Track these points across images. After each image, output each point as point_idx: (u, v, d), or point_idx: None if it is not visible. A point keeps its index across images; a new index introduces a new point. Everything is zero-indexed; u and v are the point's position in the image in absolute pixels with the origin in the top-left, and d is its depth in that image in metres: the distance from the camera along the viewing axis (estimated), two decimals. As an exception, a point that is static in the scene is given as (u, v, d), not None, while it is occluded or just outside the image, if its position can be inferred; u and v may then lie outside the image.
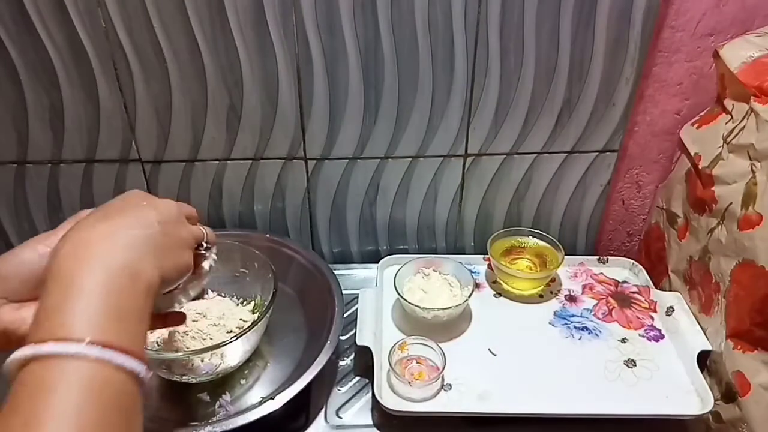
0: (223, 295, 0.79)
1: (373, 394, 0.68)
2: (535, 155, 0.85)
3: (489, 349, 0.75)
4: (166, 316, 0.57)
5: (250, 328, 0.66)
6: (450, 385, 0.70)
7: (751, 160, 0.64)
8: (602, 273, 0.88)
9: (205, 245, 0.52)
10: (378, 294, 0.82)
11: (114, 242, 0.41)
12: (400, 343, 0.72)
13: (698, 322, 0.75)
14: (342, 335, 0.79)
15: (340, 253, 0.96)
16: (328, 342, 0.69)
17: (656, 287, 0.84)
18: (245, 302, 0.78)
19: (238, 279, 0.77)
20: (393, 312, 0.81)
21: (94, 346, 0.35)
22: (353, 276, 0.92)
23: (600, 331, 0.78)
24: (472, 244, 0.95)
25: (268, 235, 0.87)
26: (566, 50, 0.76)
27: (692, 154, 0.75)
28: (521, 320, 0.80)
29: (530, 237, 0.87)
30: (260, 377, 0.73)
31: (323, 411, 0.70)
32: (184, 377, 0.68)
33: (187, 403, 0.69)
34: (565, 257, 0.83)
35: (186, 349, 0.69)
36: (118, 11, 0.71)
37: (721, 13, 0.74)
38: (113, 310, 0.38)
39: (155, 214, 0.45)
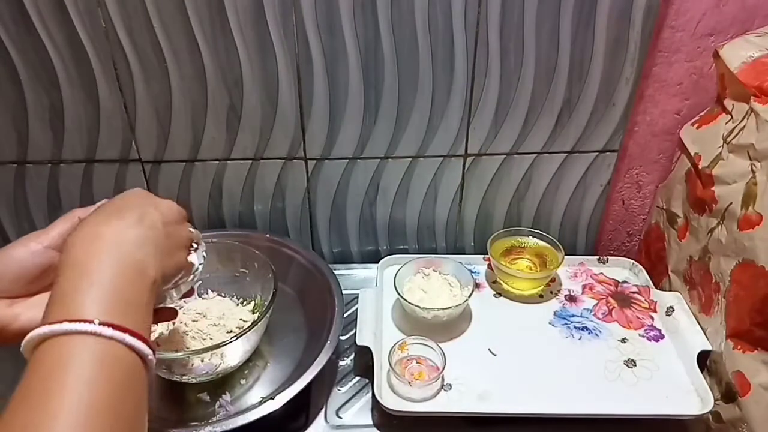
0: (223, 295, 0.79)
1: (373, 394, 0.68)
2: (535, 155, 0.85)
3: (489, 349, 0.75)
4: (158, 312, 0.58)
5: (250, 328, 0.66)
6: (450, 385, 0.70)
7: (751, 160, 0.64)
8: (602, 273, 0.88)
9: (194, 246, 0.54)
10: (378, 294, 0.82)
11: (123, 239, 0.43)
12: (400, 343, 0.72)
13: (698, 322, 0.75)
14: (342, 335, 0.79)
15: (340, 253, 0.96)
16: (328, 342, 0.69)
17: (656, 287, 0.84)
18: (245, 302, 0.78)
19: (238, 279, 0.77)
20: (393, 312, 0.81)
21: (107, 327, 0.37)
22: (353, 276, 0.92)
23: (600, 331, 0.78)
24: (472, 244, 0.95)
25: (268, 235, 0.87)
26: (566, 50, 0.76)
27: (692, 154, 0.75)
28: (521, 320, 0.80)
29: (530, 237, 0.87)
30: (260, 377, 0.73)
31: (323, 411, 0.70)
32: (184, 377, 0.68)
33: (187, 403, 0.69)
34: (565, 257, 0.83)
35: (186, 349, 0.69)
36: (118, 11, 0.71)
37: (721, 13, 0.74)
38: (123, 300, 0.40)
39: (159, 216, 0.47)
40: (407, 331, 0.78)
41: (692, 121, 0.79)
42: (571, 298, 0.84)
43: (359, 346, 0.72)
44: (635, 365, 0.73)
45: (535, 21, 0.73)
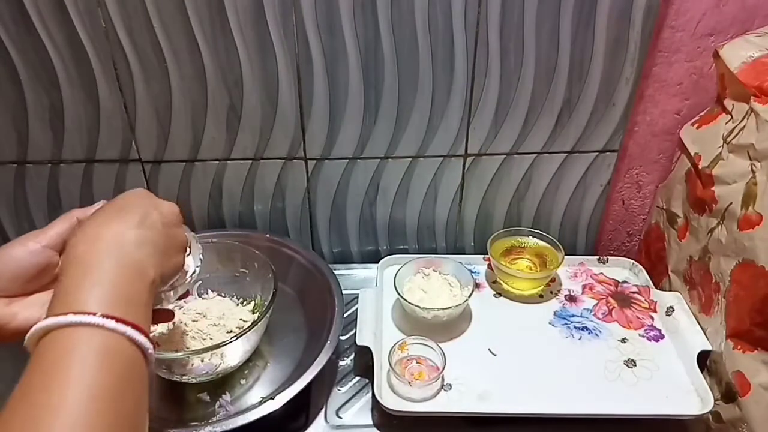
0: (223, 295, 0.79)
1: (373, 394, 0.68)
2: (535, 155, 0.85)
3: (489, 349, 0.75)
4: (155, 313, 0.58)
5: (250, 328, 0.66)
6: (450, 385, 0.70)
7: (751, 160, 0.64)
8: (602, 273, 0.88)
9: (188, 249, 0.55)
10: (378, 294, 0.82)
11: (124, 240, 0.44)
12: (400, 343, 0.72)
13: (698, 322, 0.75)
14: (342, 335, 0.79)
15: (340, 253, 0.96)
16: (328, 342, 0.69)
17: (656, 287, 0.84)
18: (245, 302, 0.78)
19: (238, 279, 0.77)
20: (393, 312, 0.81)
21: (109, 319, 0.38)
22: (353, 276, 0.92)
23: (600, 331, 0.78)
24: (472, 244, 0.95)
25: (268, 235, 0.87)
26: (566, 50, 0.76)
27: (692, 154, 0.75)
28: (521, 320, 0.80)
29: (530, 237, 0.87)
30: (260, 377, 0.73)
31: (323, 411, 0.70)
32: (184, 377, 0.68)
33: (187, 403, 0.69)
34: (565, 257, 0.83)
35: (186, 349, 0.69)
36: (118, 11, 0.71)
37: (721, 13, 0.74)
38: (124, 297, 0.41)
39: (159, 217, 0.48)
40: (407, 331, 0.78)
41: (692, 121, 0.79)
42: (571, 298, 0.84)
43: (359, 346, 0.72)
44: (635, 365, 0.73)
45: (535, 21, 0.73)
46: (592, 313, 0.81)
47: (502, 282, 0.85)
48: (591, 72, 0.77)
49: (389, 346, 0.71)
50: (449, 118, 0.81)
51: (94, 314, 0.38)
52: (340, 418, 0.70)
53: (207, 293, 0.79)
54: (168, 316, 0.61)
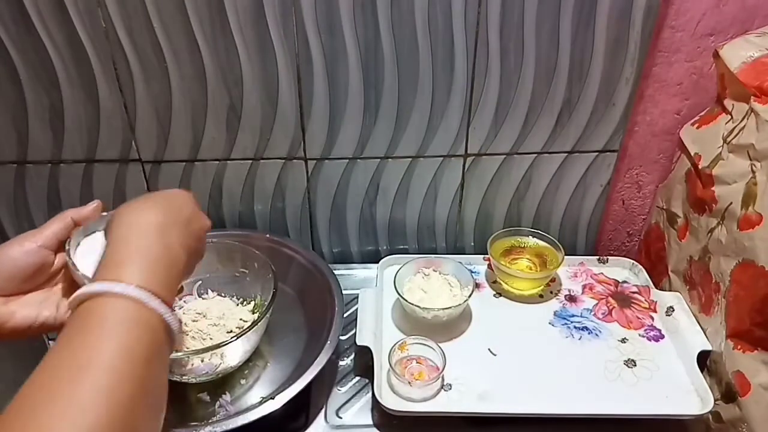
0: (223, 295, 0.79)
1: (373, 394, 0.68)
2: (535, 155, 0.85)
3: (489, 349, 0.75)
4: None
5: (250, 328, 0.66)
6: (450, 385, 0.70)
7: (751, 160, 0.64)
8: (602, 273, 0.88)
9: None
10: (378, 294, 0.82)
11: (165, 228, 0.46)
12: (400, 343, 0.72)
13: (698, 322, 0.75)
14: (342, 335, 0.79)
15: (340, 253, 0.96)
16: (328, 342, 0.69)
17: (656, 287, 0.84)
18: (245, 302, 0.78)
19: (238, 279, 0.77)
20: (393, 312, 0.81)
21: (143, 291, 0.40)
22: (353, 276, 0.92)
23: (600, 331, 0.78)
24: (472, 244, 0.95)
25: (268, 235, 0.87)
26: (566, 50, 0.76)
27: (692, 154, 0.75)
28: (521, 320, 0.80)
29: (530, 237, 0.87)
30: (260, 377, 0.73)
31: (323, 411, 0.70)
32: (184, 377, 0.68)
33: (187, 403, 0.69)
34: (565, 257, 0.83)
35: (186, 349, 0.69)
36: (118, 11, 0.71)
37: (721, 13, 0.74)
38: (159, 279, 0.42)
39: (203, 225, 0.53)
40: (407, 331, 0.78)
41: (692, 121, 0.79)
42: (571, 298, 0.84)
43: (359, 346, 0.72)
44: (635, 365, 0.73)
45: (535, 21, 0.73)
46: (592, 313, 0.81)
47: (502, 282, 0.85)
48: (591, 72, 0.77)
49: (389, 346, 0.71)
50: (449, 118, 0.81)
51: (130, 284, 0.40)
52: (340, 418, 0.70)
53: (207, 293, 0.79)
54: None
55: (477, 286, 0.83)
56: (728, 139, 0.68)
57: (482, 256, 0.90)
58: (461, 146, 0.84)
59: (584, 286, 0.86)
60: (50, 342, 0.74)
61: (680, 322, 0.76)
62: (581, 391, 0.70)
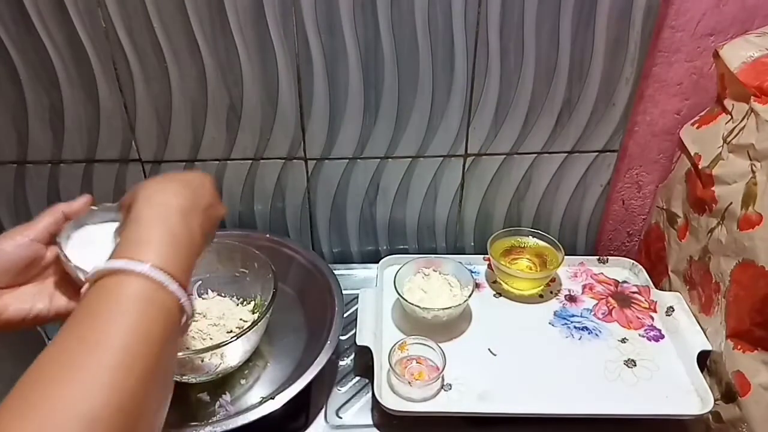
0: (223, 295, 0.79)
1: (373, 394, 0.68)
2: (535, 155, 0.85)
3: (489, 349, 0.75)
4: None
5: (250, 328, 0.66)
6: (450, 385, 0.70)
7: (751, 160, 0.64)
8: (602, 273, 0.88)
9: None
10: (378, 294, 0.82)
11: (185, 211, 0.46)
12: (400, 343, 0.72)
13: (698, 322, 0.75)
14: (342, 335, 0.79)
15: (340, 253, 0.96)
16: (328, 342, 0.69)
17: (656, 287, 0.84)
18: (245, 302, 0.78)
19: (238, 279, 0.77)
20: (393, 312, 0.81)
21: (162, 272, 0.40)
22: (353, 276, 0.92)
23: (600, 331, 0.78)
24: (472, 244, 0.95)
25: (268, 235, 0.87)
26: (566, 50, 0.76)
27: (692, 154, 0.75)
28: (521, 320, 0.80)
29: (530, 237, 0.87)
30: (260, 377, 0.73)
31: (323, 411, 0.70)
32: (184, 377, 0.68)
33: (187, 403, 0.69)
34: (565, 257, 0.83)
35: (186, 349, 0.69)
36: (118, 11, 0.71)
37: (721, 13, 0.74)
38: (175, 260, 0.42)
39: (221, 214, 0.53)
40: (407, 331, 0.78)
41: (692, 121, 0.79)
42: (571, 298, 0.84)
43: (359, 346, 0.72)
44: (635, 365, 0.73)
45: (535, 21, 0.73)
46: (592, 313, 0.81)
47: (502, 282, 0.85)
48: (591, 72, 0.77)
49: (389, 346, 0.71)
50: (449, 118, 0.81)
51: (145, 262, 0.40)
52: (340, 418, 0.70)
53: (207, 293, 0.79)
54: None
55: (477, 286, 0.83)
56: (728, 139, 0.68)
57: (482, 256, 0.90)
58: (461, 146, 0.84)
59: (584, 286, 0.86)
60: (49, 342, 0.74)
61: (680, 322, 0.76)
62: (581, 391, 0.70)
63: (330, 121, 0.81)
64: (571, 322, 0.79)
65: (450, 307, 0.75)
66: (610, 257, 0.90)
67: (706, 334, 0.73)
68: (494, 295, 0.85)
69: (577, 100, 0.80)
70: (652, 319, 0.80)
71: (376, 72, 0.77)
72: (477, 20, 0.73)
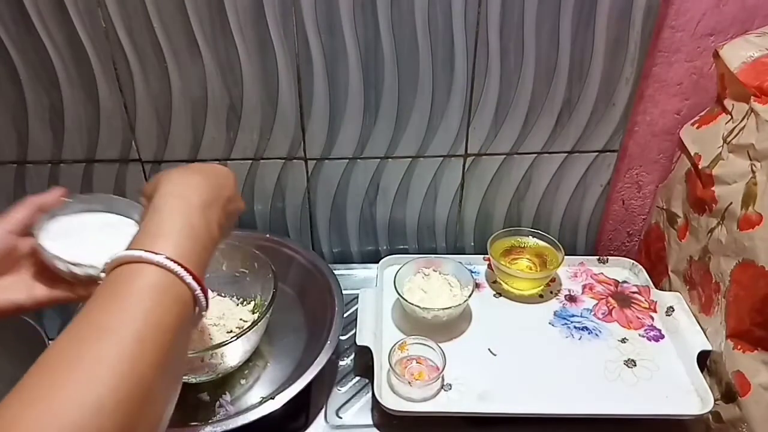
0: (223, 295, 0.79)
1: (373, 394, 0.68)
2: (535, 155, 0.85)
3: (489, 349, 0.75)
4: None
5: (250, 328, 0.66)
6: (450, 385, 0.70)
7: (751, 160, 0.64)
8: (602, 273, 0.88)
9: None
10: (378, 294, 0.82)
11: (206, 204, 0.47)
12: (400, 343, 0.72)
13: (698, 322, 0.75)
14: (342, 335, 0.79)
15: (340, 253, 0.96)
16: (328, 342, 0.69)
17: (656, 287, 0.84)
18: (245, 302, 0.78)
19: (238, 279, 0.77)
20: (393, 312, 0.81)
21: (179, 265, 0.40)
22: (353, 276, 0.92)
23: (600, 331, 0.78)
24: (472, 244, 0.95)
25: (268, 235, 0.87)
26: (566, 50, 0.76)
27: (692, 154, 0.75)
28: (521, 320, 0.80)
29: (530, 237, 0.87)
30: (260, 377, 0.73)
31: (323, 411, 0.70)
32: (184, 377, 0.68)
33: (187, 403, 0.69)
34: (565, 257, 0.83)
35: (186, 349, 0.69)
36: (118, 11, 0.71)
37: (721, 13, 0.74)
38: (192, 252, 0.43)
39: (239, 209, 0.54)
40: (407, 331, 0.78)
41: (692, 121, 0.79)
42: (571, 298, 0.84)
43: (359, 346, 0.72)
44: (635, 365, 0.73)
45: (535, 21, 0.73)
46: (592, 313, 0.81)
47: (502, 282, 0.85)
48: (591, 72, 0.77)
49: (389, 346, 0.71)
50: (449, 118, 0.81)
51: (162, 254, 0.40)
52: (340, 418, 0.70)
53: (207, 293, 0.79)
54: None
55: (477, 286, 0.83)
56: (728, 139, 0.68)
57: (482, 256, 0.90)
58: (461, 146, 0.84)
59: (584, 286, 0.86)
60: (50, 342, 0.74)
61: (680, 322, 0.76)
62: (581, 391, 0.70)
63: (330, 121, 0.81)
64: (571, 322, 0.79)
65: (450, 307, 0.75)
66: (610, 257, 0.90)
67: (706, 334, 0.73)
68: (494, 295, 0.85)
69: (577, 100, 0.80)
70: (652, 319, 0.80)
71: (376, 72, 0.77)
72: (477, 20, 0.73)
